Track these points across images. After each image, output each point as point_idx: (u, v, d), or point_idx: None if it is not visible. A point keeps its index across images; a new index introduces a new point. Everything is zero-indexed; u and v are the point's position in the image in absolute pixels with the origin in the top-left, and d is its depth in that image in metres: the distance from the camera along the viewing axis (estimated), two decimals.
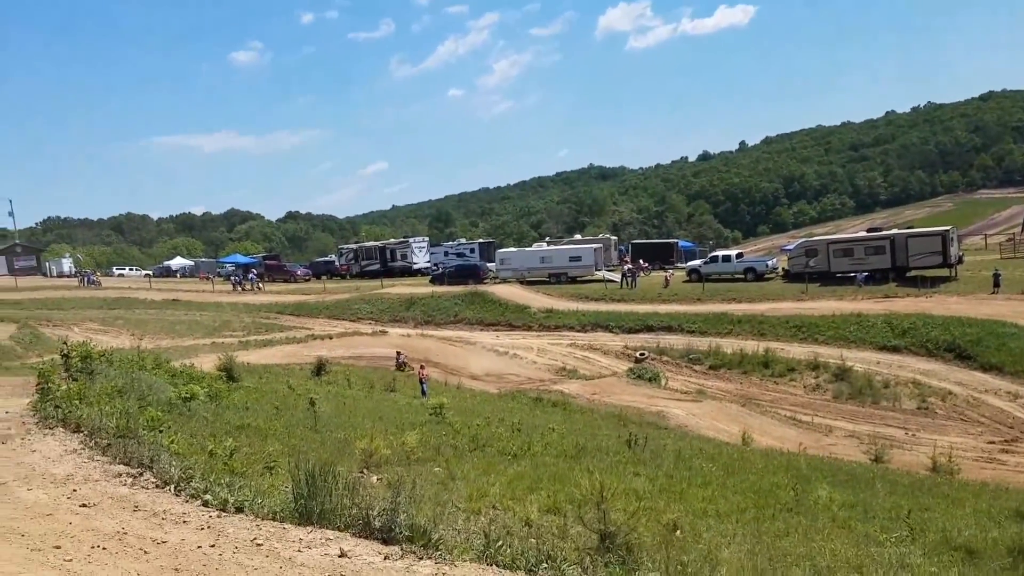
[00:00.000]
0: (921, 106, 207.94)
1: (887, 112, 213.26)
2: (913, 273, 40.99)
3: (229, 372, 19.71)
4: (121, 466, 7.80)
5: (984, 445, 24.11)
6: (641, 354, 35.79)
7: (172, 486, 7.07)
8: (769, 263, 49.51)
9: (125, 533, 5.78)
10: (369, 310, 50.13)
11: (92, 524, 6.01)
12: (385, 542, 5.66)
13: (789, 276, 45.36)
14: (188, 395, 12.83)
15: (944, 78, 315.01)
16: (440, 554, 5.49)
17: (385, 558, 5.38)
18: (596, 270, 53.13)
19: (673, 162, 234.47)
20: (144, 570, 5.04)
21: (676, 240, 73.36)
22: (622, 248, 64.17)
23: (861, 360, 31.61)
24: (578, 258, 53.77)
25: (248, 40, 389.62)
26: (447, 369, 34.04)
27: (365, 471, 9.35)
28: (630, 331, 39.87)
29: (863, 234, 49.15)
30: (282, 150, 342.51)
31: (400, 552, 5.49)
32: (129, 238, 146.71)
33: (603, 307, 44.50)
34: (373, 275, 64.55)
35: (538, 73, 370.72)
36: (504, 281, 53.85)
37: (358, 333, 42.52)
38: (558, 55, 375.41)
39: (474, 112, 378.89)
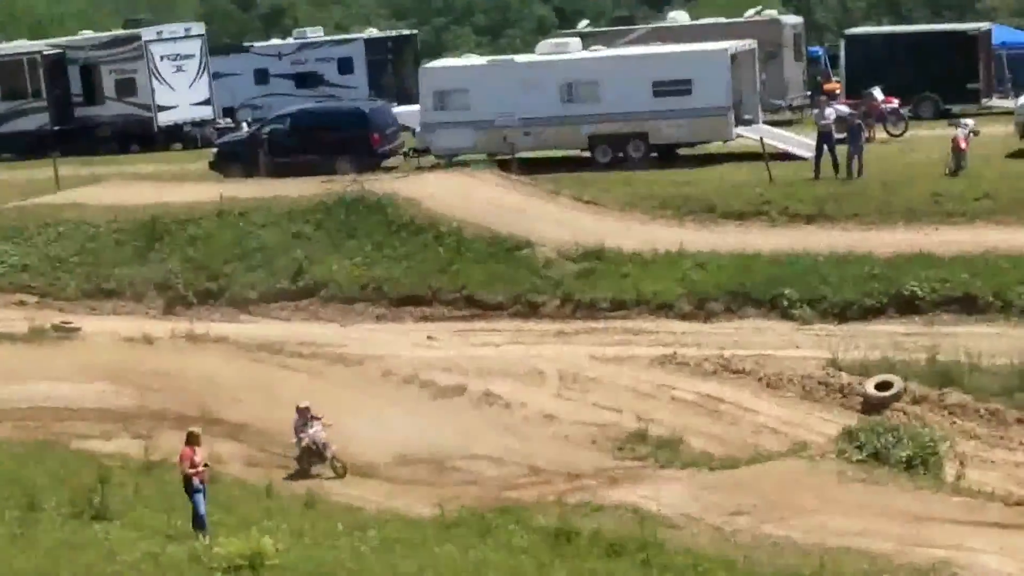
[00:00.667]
0: None
1: None
2: None
3: None
4: None
5: None
6: (881, 387, 12.85)
7: None
8: None
9: None
10: (15, 265, 19.34)
11: None
12: None
13: None
14: None
15: None
16: None
17: None
18: (735, 123, 21.88)
19: None
20: None
21: (989, 26, 28.46)
22: (823, 53, 29.46)
23: None
24: (683, 84, 21.67)
25: None
26: (270, 441, 12.51)
27: None
28: (844, 316, 14.91)
29: None
30: None
31: None
32: None
33: (761, 240, 17.34)
34: (20, 144, 29.75)
35: None
36: (448, 162, 23.12)
37: None
38: None
39: None
